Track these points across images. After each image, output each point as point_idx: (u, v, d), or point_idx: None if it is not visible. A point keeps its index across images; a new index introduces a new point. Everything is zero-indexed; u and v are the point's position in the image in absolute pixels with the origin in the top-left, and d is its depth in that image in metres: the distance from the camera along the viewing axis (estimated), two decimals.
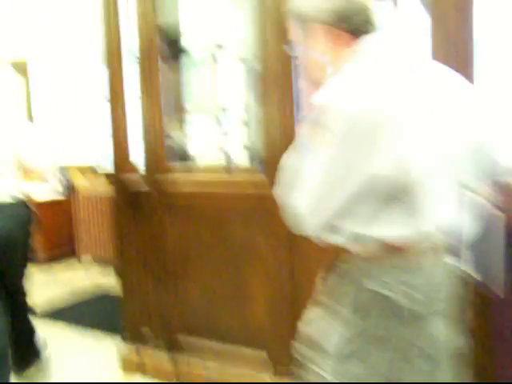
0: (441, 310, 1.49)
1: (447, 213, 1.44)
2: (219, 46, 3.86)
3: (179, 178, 2.95)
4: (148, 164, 3.02)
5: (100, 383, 3.18)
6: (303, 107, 1.66)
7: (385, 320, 1.44)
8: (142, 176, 3.06)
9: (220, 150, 3.61)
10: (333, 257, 1.55)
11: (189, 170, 2.98)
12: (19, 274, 3.17)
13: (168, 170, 3.00)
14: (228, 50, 3.60)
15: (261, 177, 2.66)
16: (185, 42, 4.05)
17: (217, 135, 3.57)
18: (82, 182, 6.00)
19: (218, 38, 3.50)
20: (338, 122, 1.34)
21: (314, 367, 1.58)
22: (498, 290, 1.61)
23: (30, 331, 3.31)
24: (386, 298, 1.42)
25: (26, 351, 3.31)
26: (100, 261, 5.70)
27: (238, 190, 2.76)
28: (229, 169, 2.90)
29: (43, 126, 6.10)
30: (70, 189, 5.83)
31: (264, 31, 2.57)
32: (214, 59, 3.69)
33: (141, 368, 3.25)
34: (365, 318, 1.46)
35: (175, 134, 3.95)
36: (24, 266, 3.20)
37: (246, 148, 3.20)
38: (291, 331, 2.68)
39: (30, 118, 6.15)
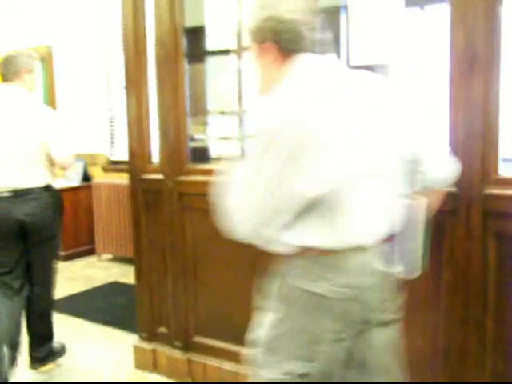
0: (372, 311, 1.62)
1: (371, 222, 1.56)
2: (243, 48, 3.87)
3: (200, 180, 2.95)
4: (170, 165, 3.02)
5: (115, 383, 3.19)
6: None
7: (310, 315, 1.57)
8: (164, 177, 3.06)
9: (241, 151, 3.61)
10: (269, 261, 1.70)
11: (210, 172, 2.98)
12: (44, 264, 3.30)
13: (190, 172, 3.00)
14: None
15: None
16: (209, 43, 4.08)
17: (238, 136, 3.57)
18: (97, 170, 6.06)
19: (242, 40, 3.50)
20: (263, 135, 1.48)
21: (259, 368, 1.70)
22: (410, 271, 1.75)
23: (46, 327, 3.36)
24: (314, 294, 1.55)
25: (41, 347, 3.35)
26: (119, 258, 5.74)
27: None
28: None
29: (65, 112, 6.13)
30: (86, 177, 5.89)
31: None
32: (238, 60, 3.69)
33: (156, 367, 3.26)
34: (291, 311, 1.60)
35: (198, 136, 3.97)
36: (51, 256, 3.34)
37: None
38: None
39: (53, 105, 6.18)
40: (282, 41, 1.57)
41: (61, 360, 3.47)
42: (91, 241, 5.86)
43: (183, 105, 2.99)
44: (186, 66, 2.98)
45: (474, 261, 2.21)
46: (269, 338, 1.66)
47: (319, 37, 1.61)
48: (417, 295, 2.39)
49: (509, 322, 2.22)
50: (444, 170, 1.76)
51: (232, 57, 4.05)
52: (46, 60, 6.23)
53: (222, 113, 4.23)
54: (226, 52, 4.15)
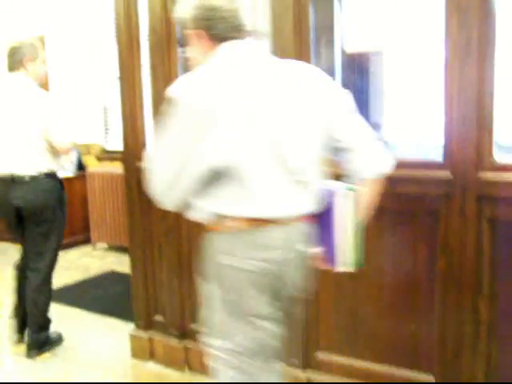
0: (289, 283, 1.74)
1: (280, 198, 1.66)
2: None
3: None
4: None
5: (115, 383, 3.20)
6: None
7: (236, 288, 1.67)
8: None
9: None
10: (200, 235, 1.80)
11: None
12: (39, 251, 3.39)
13: None
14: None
15: None
16: None
17: None
18: (91, 160, 6.04)
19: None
20: (177, 110, 1.60)
21: (204, 339, 1.83)
22: (337, 263, 1.84)
23: (40, 313, 3.42)
24: (238, 270, 1.65)
25: (37, 334, 3.39)
26: (114, 248, 5.74)
27: None
28: None
29: (59, 102, 6.11)
30: (81, 166, 5.88)
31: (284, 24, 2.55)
32: None
33: (152, 356, 3.27)
34: (221, 288, 1.70)
35: None
36: (46, 242, 3.40)
37: None
38: (305, 322, 2.68)
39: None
40: (210, 28, 1.70)
41: (57, 350, 3.48)
42: (86, 230, 5.85)
43: None
44: (179, 53, 2.97)
45: (468, 246, 2.22)
46: (206, 315, 1.77)
47: (247, 25, 1.73)
48: (411, 282, 2.40)
49: (503, 308, 2.23)
50: (373, 161, 1.80)
51: None
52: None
53: None
54: None
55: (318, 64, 2.60)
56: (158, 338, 3.23)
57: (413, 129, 3.47)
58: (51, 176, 3.34)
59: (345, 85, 3.11)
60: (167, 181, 1.66)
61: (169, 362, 3.19)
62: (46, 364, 3.34)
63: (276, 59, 1.77)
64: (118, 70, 3.16)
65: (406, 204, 2.36)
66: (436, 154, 2.28)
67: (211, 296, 1.74)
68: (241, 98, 1.60)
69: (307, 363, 2.73)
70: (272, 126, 1.63)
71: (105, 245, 5.86)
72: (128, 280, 3.41)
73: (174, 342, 3.15)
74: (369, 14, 2.76)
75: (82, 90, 6.08)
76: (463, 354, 2.30)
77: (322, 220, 1.81)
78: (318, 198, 1.77)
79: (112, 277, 4.96)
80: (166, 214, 3.04)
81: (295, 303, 1.86)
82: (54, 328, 3.53)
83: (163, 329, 3.22)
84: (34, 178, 3.25)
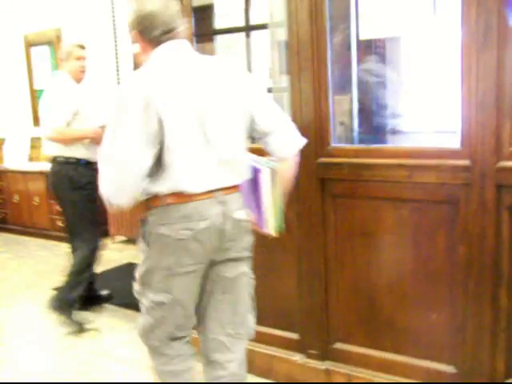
0: (229, 247, 2.07)
1: (205, 173, 1.97)
2: (252, 26, 3.84)
3: None
4: None
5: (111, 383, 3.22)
6: None
7: (164, 253, 1.99)
8: None
9: None
10: (142, 210, 2.07)
11: None
12: (69, 228, 3.99)
13: None
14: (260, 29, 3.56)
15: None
16: (218, 22, 4.03)
17: None
18: None
19: (249, 18, 3.46)
20: (117, 101, 1.91)
21: (140, 298, 2.15)
22: (269, 230, 2.22)
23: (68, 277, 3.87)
24: (165, 236, 1.97)
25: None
26: (133, 241, 5.75)
27: None
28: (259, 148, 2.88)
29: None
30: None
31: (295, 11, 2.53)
32: (247, 38, 3.66)
33: None
34: (151, 251, 2.03)
35: None
36: (70, 222, 3.97)
37: None
38: (324, 313, 2.68)
39: None
40: (146, 32, 1.99)
41: (80, 342, 3.52)
42: (104, 223, 5.88)
43: None
44: (194, 45, 2.96)
45: (487, 235, 2.20)
46: (140, 274, 2.11)
47: (177, 29, 2.01)
48: (430, 272, 2.38)
49: None
50: (288, 141, 2.15)
51: (240, 35, 4.02)
52: (55, 43, 6.23)
53: None
54: (234, 30, 4.11)
55: (333, 52, 2.58)
56: None
57: (431, 116, 3.42)
58: (56, 161, 3.81)
59: (361, 73, 3.09)
60: (121, 179, 1.90)
61: None
62: (72, 355, 3.38)
63: (201, 56, 2.08)
64: (133, 62, 3.16)
65: (424, 193, 2.33)
66: (454, 142, 2.25)
67: (151, 260, 2.04)
68: (172, 92, 1.90)
69: (326, 354, 2.72)
70: (199, 113, 1.94)
71: (123, 238, 5.89)
72: None
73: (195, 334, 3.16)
74: None
75: (97, 81, 6.08)
76: (484, 344, 2.28)
77: (251, 192, 2.18)
78: (243, 173, 2.10)
79: (132, 269, 4.94)
80: None
81: (241, 264, 2.16)
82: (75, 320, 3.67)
83: None
84: (51, 162, 3.85)
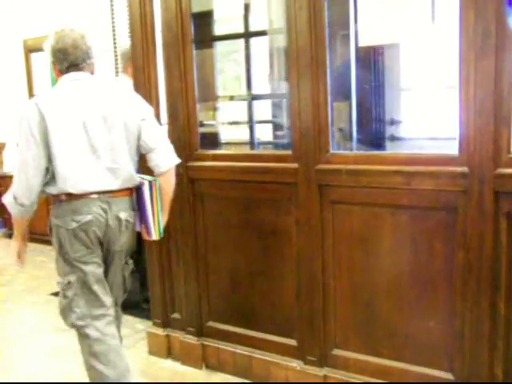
0: (113, 241, 2.49)
1: (91, 177, 2.39)
2: (251, 33, 3.85)
3: (211, 165, 2.94)
4: (180, 151, 3.01)
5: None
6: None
7: (64, 242, 2.42)
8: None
9: (250, 136, 3.58)
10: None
11: (220, 158, 2.97)
12: None
13: (200, 158, 2.99)
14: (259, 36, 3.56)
15: (291, 163, 2.64)
16: (218, 28, 4.04)
17: (247, 121, 3.54)
18: None
19: (249, 24, 3.47)
20: (19, 119, 2.37)
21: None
22: (150, 234, 2.62)
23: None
24: (62, 228, 2.42)
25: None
26: None
27: (270, 178, 2.73)
28: (260, 156, 2.88)
29: None
30: None
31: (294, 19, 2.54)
32: (246, 45, 3.67)
33: (170, 353, 3.28)
34: (55, 241, 2.47)
35: (207, 121, 3.94)
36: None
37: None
38: (322, 319, 2.67)
39: None
40: (57, 63, 2.48)
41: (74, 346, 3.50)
42: None
43: (192, 90, 2.97)
44: (193, 51, 2.96)
45: (486, 241, 2.19)
46: (55, 260, 2.52)
47: (81, 65, 2.46)
48: (428, 278, 2.38)
49: None
50: (164, 159, 2.52)
51: (240, 41, 4.03)
52: None
53: (231, 98, 4.22)
54: (234, 37, 4.12)
55: (333, 60, 2.59)
56: (175, 335, 3.24)
57: (430, 123, 3.43)
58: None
59: (360, 80, 3.10)
60: (25, 180, 2.35)
61: (186, 359, 3.19)
62: (66, 357, 3.37)
63: (98, 84, 2.49)
64: (132, 66, 3.16)
65: (422, 199, 2.34)
66: (452, 149, 2.25)
67: (56, 249, 2.47)
68: (62, 109, 2.35)
69: (324, 361, 2.72)
70: (85, 128, 2.36)
71: None
72: (139, 276, 3.42)
73: (191, 339, 3.16)
74: (383, 5, 2.74)
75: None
76: (482, 351, 2.27)
77: (139, 202, 2.57)
78: (129, 181, 2.49)
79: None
80: (182, 211, 3.05)
81: (122, 256, 2.59)
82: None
83: (180, 326, 3.23)
84: None
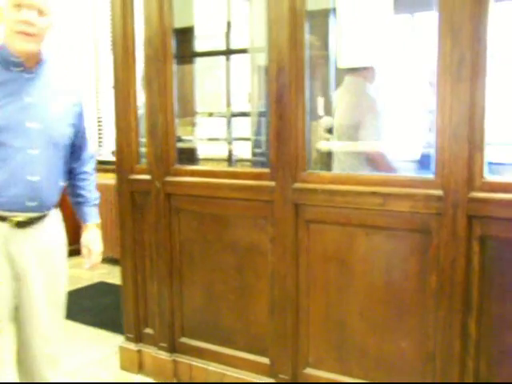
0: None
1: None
2: (232, 50, 3.87)
3: (188, 181, 2.95)
4: (158, 166, 3.01)
5: (102, 383, 3.18)
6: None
7: None
8: (151, 178, 3.05)
9: (229, 152, 3.59)
10: None
11: (198, 173, 2.97)
12: None
13: (177, 173, 2.99)
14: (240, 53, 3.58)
15: (268, 181, 2.66)
16: (198, 44, 4.07)
17: (226, 138, 3.55)
18: None
19: (230, 42, 3.49)
20: None
21: None
22: None
23: None
24: None
25: None
26: (106, 259, 5.69)
27: (246, 195, 2.75)
28: (237, 173, 2.89)
29: None
30: None
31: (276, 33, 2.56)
32: (227, 62, 3.69)
33: (141, 369, 3.25)
34: None
35: (185, 137, 3.94)
36: None
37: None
38: (295, 338, 2.68)
39: None
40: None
41: None
42: (77, 241, 5.79)
43: (171, 105, 2.98)
44: (174, 66, 2.98)
45: (458, 265, 2.22)
46: None
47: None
48: (401, 299, 2.40)
49: (491, 326, 2.23)
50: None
51: (220, 58, 4.05)
52: None
53: (210, 114, 4.24)
54: (214, 53, 4.15)
55: (313, 79, 2.62)
56: (147, 350, 3.21)
57: (406, 145, 3.48)
58: None
59: (337, 101, 3.13)
60: None
61: (158, 374, 3.17)
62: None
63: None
64: (113, 80, 3.17)
65: (397, 221, 2.36)
66: (427, 172, 2.29)
67: None
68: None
69: (296, 379, 2.72)
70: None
71: None
72: (119, 291, 3.39)
73: (163, 354, 3.13)
74: (362, 30, 2.78)
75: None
76: (452, 371, 2.30)
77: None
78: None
79: (103, 288, 4.93)
80: (158, 225, 3.04)
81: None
82: None
83: (153, 341, 3.20)
84: None
